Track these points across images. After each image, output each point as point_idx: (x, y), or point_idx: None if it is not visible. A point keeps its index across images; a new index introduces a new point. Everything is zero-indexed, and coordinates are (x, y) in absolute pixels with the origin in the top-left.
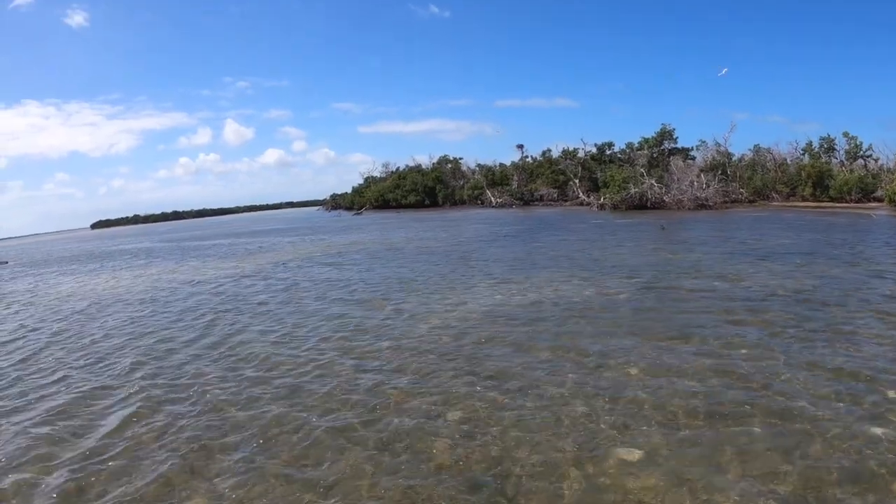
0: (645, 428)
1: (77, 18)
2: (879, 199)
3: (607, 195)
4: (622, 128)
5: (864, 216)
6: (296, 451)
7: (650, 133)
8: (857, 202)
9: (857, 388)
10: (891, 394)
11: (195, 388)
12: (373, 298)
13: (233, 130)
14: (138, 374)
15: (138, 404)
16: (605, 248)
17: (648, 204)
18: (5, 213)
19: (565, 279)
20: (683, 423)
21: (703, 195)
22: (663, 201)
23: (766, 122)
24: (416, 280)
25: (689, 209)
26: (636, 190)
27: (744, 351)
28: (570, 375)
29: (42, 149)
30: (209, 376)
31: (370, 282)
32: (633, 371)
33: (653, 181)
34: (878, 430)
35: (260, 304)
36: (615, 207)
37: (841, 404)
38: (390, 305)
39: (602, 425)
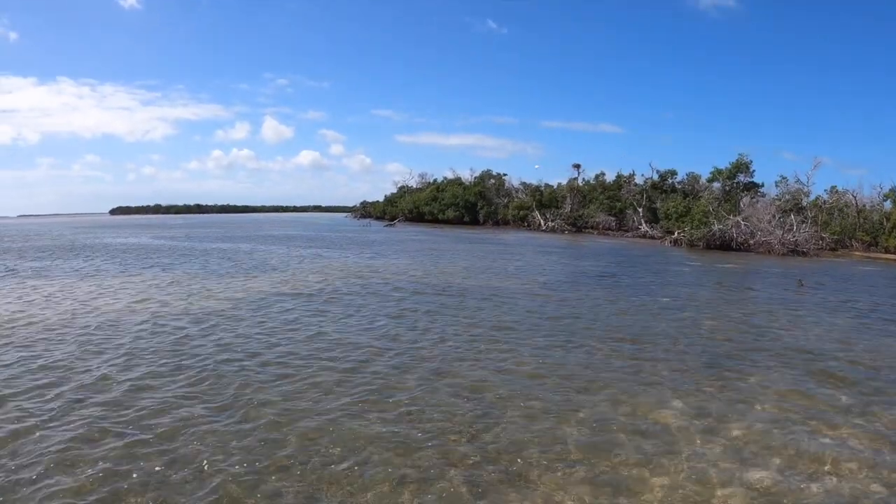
0: None
1: (131, 0)
2: None
3: (685, 230)
4: (666, 157)
5: None
6: None
7: (720, 164)
8: None
9: None
10: None
11: None
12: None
13: (271, 128)
14: None
15: None
16: (793, 320)
17: (734, 245)
18: (32, 189)
19: (840, 424)
20: None
21: (794, 239)
22: (748, 243)
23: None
24: (526, 405)
25: (779, 254)
26: (719, 227)
27: None
28: None
29: (74, 128)
30: None
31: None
32: None
33: (739, 219)
34: None
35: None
36: (691, 244)
37: None
38: None
39: None
